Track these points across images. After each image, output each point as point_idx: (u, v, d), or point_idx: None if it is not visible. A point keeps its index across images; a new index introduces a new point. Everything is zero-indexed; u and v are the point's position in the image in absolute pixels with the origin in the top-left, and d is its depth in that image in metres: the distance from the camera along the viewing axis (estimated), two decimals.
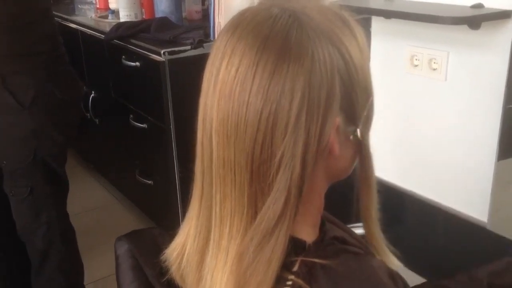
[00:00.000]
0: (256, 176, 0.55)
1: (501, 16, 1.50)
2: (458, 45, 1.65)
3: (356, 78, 0.57)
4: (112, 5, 2.52)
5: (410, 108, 1.86)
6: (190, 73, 1.77)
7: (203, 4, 2.40)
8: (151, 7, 2.20)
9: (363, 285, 0.56)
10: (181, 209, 1.94)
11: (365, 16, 1.79)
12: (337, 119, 0.56)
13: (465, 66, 1.65)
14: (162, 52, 1.75)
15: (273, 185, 0.55)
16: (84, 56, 2.46)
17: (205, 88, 0.58)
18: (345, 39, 0.57)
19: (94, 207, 2.61)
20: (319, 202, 0.63)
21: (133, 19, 2.19)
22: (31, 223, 1.59)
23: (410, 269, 1.56)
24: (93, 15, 2.56)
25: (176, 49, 1.78)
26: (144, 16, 2.26)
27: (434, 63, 1.72)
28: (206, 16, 2.24)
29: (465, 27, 1.55)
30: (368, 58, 0.60)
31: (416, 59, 1.78)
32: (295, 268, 0.56)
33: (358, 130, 0.59)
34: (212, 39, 1.87)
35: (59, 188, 1.63)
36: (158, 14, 2.14)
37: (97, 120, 2.49)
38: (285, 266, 0.56)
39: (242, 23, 0.57)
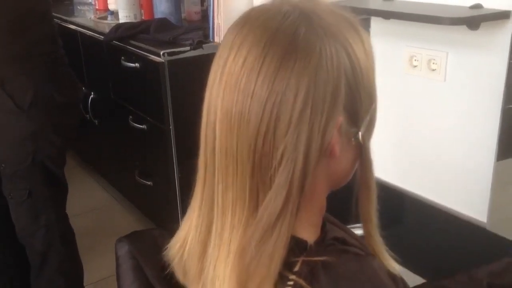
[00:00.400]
0: (258, 168, 0.56)
1: (500, 16, 1.50)
2: (457, 45, 1.65)
3: (361, 81, 0.58)
4: (112, 6, 2.52)
5: (409, 109, 1.86)
6: (190, 74, 1.77)
7: (202, 5, 2.40)
8: (151, 8, 2.20)
9: (364, 286, 0.56)
10: (181, 210, 1.94)
11: (364, 16, 1.80)
12: (340, 118, 0.57)
13: (464, 67, 1.65)
14: (161, 53, 1.75)
15: (275, 178, 0.55)
16: (83, 57, 2.46)
17: (211, 79, 0.59)
18: (352, 41, 0.57)
19: (94, 208, 2.61)
20: (321, 203, 0.63)
21: (133, 20, 2.19)
22: (30, 226, 1.59)
23: (410, 270, 1.56)
24: (92, 16, 2.56)
25: (175, 50, 1.78)
26: (143, 17, 2.26)
27: (433, 63, 1.72)
28: (205, 17, 2.25)
29: (464, 27, 1.55)
30: (373, 64, 0.61)
31: (415, 60, 1.78)
32: (297, 268, 0.56)
33: (360, 134, 0.60)
34: (211, 40, 1.87)
35: (58, 190, 1.63)
36: (158, 15, 2.14)
37: (96, 121, 2.49)
38: (287, 266, 0.56)
39: (252, 18, 0.58)
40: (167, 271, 0.67)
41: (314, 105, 0.54)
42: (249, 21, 0.58)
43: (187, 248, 0.64)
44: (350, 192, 0.65)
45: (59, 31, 1.66)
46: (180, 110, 1.80)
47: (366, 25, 1.85)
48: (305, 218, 0.60)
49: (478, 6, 1.55)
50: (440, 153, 1.79)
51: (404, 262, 0.69)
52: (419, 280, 1.02)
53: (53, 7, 1.64)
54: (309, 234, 0.61)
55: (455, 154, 1.75)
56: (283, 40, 0.54)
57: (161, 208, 2.13)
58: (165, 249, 0.68)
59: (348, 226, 0.72)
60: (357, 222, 0.67)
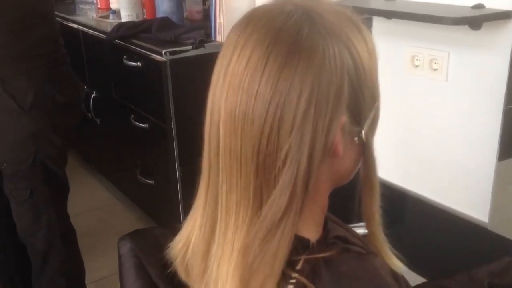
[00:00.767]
0: (262, 168, 0.56)
1: (502, 16, 1.50)
2: (459, 45, 1.65)
3: (364, 80, 0.58)
4: (114, 5, 2.52)
5: (411, 109, 1.86)
6: (192, 73, 1.77)
7: (204, 4, 2.40)
8: (152, 7, 2.20)
9: (366, 285, 0.56)
10: (182, 209, 1.94)
11: (366, 16, 1.80)
12: (343, 118, 0.57)
13: (466, 67, 1.65)
14: (163, 52, 1.75)
15: (279, 178, 0.55)
16: (85, 56, 2.46)
17: (215, 79, 0.59)
18: (355, 41, 0.57)
19: (95, 207, 2.62)
20: (323, 202, 0.63)
21: (135, 19, 2.19)
22: (31, 225, 1.59)
23: (411, 269, 1.56)
24: (94, 15, 2.56)
25: (177, 49, 1.78)
26: (145, 16, 2.26)
27: (435, 63, 1.72)
28: (207, 16, 2.25)
29: (466, 27, 1.55)
30: (376, 64, 0.61)
31: (417, 60, 1.78)
32: (299, 267, 0.57)
33: (363, 132, 0.60)
34: (213, 39, 1.88)
35: (59, 190, 1.63)
36: (159, 14, 2.14)
37: (98, 120, 2.50)
38: (289, 264, 0.56)
39: (255, 18, 0.58)
40: (170, 269, 0.68)
41: (317, 105, 0.54)
42: (253, 20, 0.57)
43: (190, 247, 0.64)
44: (353, 191, 0.65)
45: (61, 30, 1.66)
46: (182, 109, 1.80)
47: (368, 25, 1.85)
48: (308, 217, 0.60)
49: (480, 6, 1.55)
50: (442, 153, 1.79)
51: (405, 261, 0.69)
52: (421, 280, 1.02)
53: (55, 6, 1.64)
54: (311, 232, 0.61)
55: (456, 154, 1.75)
56: (287, 40, 0.54)
57: (162, 207, 2.13)
58: (167, 248, 0.68)
59: (350, 226, 0.72)
60: (359, 221, 0.67)
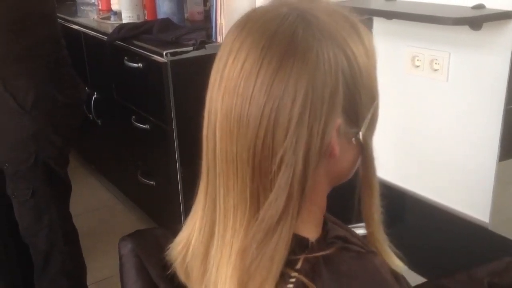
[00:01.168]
0: (258, 172, 0.56)
1: (502, 16, 1.50)
2: (459, 45, 1.65)
3: (360, 81, 0.58)
4: (115, 7, 2.53)
5: (411, 109, 1.86)
6: (193, 74, 1.77)
7: (205, 5, 2.41)
8: (153, 8, 2.21)
9: (366, 284, 0.56)
10: (183, 210, 1.94)
11: (366, 17, 1.79)
12: (339, 121, 0.57)
13: (466, 67, 1.65)
14: (164, 53, 1.75)
15: (275, 181, 0.55)
16: (86, 57, 2.46)
17: (211, 83, 0.59)
18: (351, 41, 0.57)
19: (96, 208, 2.62)
20: (322, 203, 0.63)
21: (136, 21, 2.20)
22: (33, 225, 1.60)
23: (412, 270, 1.56)
24: (96, 17, 2.56)
25: (178, 50, 1.78)
26: (146, 18, 2.26)
27: (436, 63, 1.73)
28: (208, 17, 2.25)
29: (467, 27, 1.55)
30: (375, 63, 0.61)
31: (417, 60, 1.78)
32: (298, 266, 0.57)
33: (361, 133, 0.60)
34: (214, 40, 1.88)
35: (61, 190, 1.64)
36: (160, 15, 2.14)
37: (99, 121, 2.50)
38: (288, 264, 0.56)
39: (250, 21, 0.58)
40: (169, 271, 0.68)
41: (312, 109, 0.54)
42: (249, 23, 0.58)
43: (190, 249, 0.64)
44: (352, 191, 0.65)
45: (62, 31, 1.67)
46: (182, 110, 1.80)
47: (369, 25, 1.85)
48: (306, 217, 0.60)
49: (480, 6, 1.55)
50: (442, 153, 1.80)
51: (406, 261, 0.69)
52: (421, 280, 1.02)
53: (57, 7, 1.64)
54: (310, 232, 0.61)
55: (457, 154, 1.75)
56: (281, 44, 0.54)
57: (163, 208, 2.14)
58: (168, 249, 0.68)
59: (350, 226, 0.72)
60: (359, 221, 0.67)
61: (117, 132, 2.41)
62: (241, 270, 0.57)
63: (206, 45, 1.81)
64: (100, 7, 2.73)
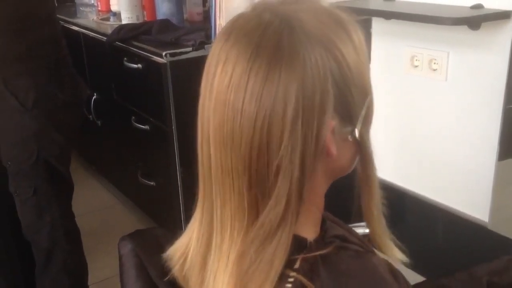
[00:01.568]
0: (255, 181, 0.56)
1: (501, 16, 1.50)
2: (458, 45, 1.65)
3: (351, 80, 0.57)
4: (114, 8, 2.53)
5: (410, 109, 1.86)
6: (192, 74, 1.76)
7: (204, 6, 2.41)
8: (153, 9, 2.21)
9: (364, 283, 0.56)
10: (183, 211, 1.95)
11: (365, 17, 1.80)
12: (332, 122, 0.56)
13: (465, 67, 1.65)
14: (163, 54, 1.76)
15: (273, 188, 0.55)
16: (86, 58, 2.47)
17: (202, 93, 0.59)
18: (338, 41, 0.56)
19: (96, 208, 2.62)
20: (320, 202, 0.64)
21: (135, 21, 2.20)
22: (35, 223, 1.60)
23: (411, 269, 1.56)
24: (95, 18, 2.57)
25: (177, 51, 1.79)
26: (145, 18, 2.27)
27: (434, 63, 1.73)
28: (207, 17, 2.25)
29: (465, 27, 1.55)
30: (366, 58, 0.60)
31: (416, 60, 1.78)
32: (297, 266, 0.57)
33: (356, 130, 0.59)
34: (213, 41, 1.88)
35: (63, 188, 1.64)
36: (160, 16, 2.15)
37: (99, 122, 2.50)
38: (287, 264, 0.56)
39: (234, 30, 0.57)
40: (168, 276, 0.68)
41: (304, 115, 0.54)
42: (233, 33, 0.57)
43: (188, 258, 0.64)
44: (352, 190, 0.65)
45: (62, 32, 1.67)
46: (182, 111, 1.81)
47: (367, 26, 1.85)
48: (305, 217, 0.60)
49: (479, 6, 1.55)
50: (442, 153, 1.80)
51: (408, 256, 0.69)
52: (421, 279, 1.03)
53: (56, 8, 1.64)
54: (309, 232, 0.61)
55: (456, 154, 1.75)
56: (266, 53, 0.54)
57: (163, 208, 2.14)
58: (167, 252, 0.68)
59: (350, 225, 0.72)
60: (359, 221, 0.67)
61: (117, 133, 2.42)
62: (238, 275, 0.57)
63: (206, 46, 1.81)
64: (99, 8, 2.73)
